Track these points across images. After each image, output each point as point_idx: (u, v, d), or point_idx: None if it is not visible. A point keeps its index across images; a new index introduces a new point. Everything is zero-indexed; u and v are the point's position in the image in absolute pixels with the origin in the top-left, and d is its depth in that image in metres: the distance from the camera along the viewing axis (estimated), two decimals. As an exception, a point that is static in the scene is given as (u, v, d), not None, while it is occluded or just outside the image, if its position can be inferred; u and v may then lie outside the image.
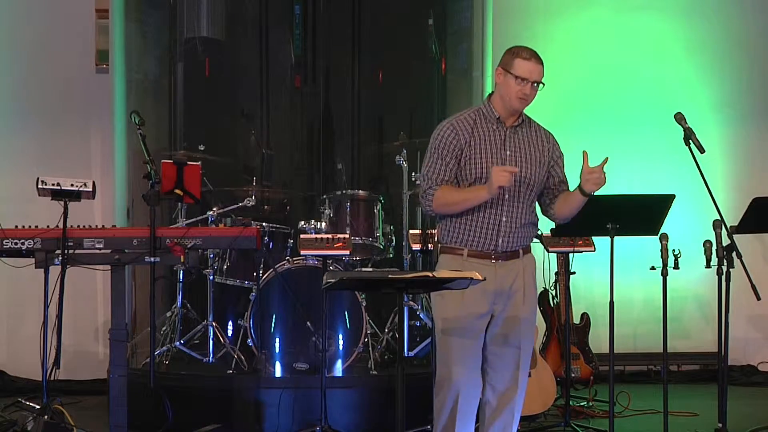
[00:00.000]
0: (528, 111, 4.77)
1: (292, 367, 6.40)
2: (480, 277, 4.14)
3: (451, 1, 7.59)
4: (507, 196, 4.56)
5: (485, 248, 4.59)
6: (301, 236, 6.23)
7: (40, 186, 5.56)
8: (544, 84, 4.64)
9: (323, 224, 6.48)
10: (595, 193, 5.90)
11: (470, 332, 4.59)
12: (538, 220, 4.76)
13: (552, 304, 7.05)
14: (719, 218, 5.56)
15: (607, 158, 4.60)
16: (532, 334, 4.76)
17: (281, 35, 7.23)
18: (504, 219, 4.58)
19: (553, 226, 6.28)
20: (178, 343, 6.71)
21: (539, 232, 6.65)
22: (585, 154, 4.56)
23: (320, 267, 6.26)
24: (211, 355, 6.65)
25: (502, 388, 4.66)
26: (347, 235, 6.25)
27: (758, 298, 5.55)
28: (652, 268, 5.73)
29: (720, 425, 5.72)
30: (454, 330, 4.61)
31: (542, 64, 4.62)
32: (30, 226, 5.59)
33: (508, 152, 4.62)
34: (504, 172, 4.39)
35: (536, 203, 4.74)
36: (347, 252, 6.13)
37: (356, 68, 7.21)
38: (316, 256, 6.23)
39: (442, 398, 4.63)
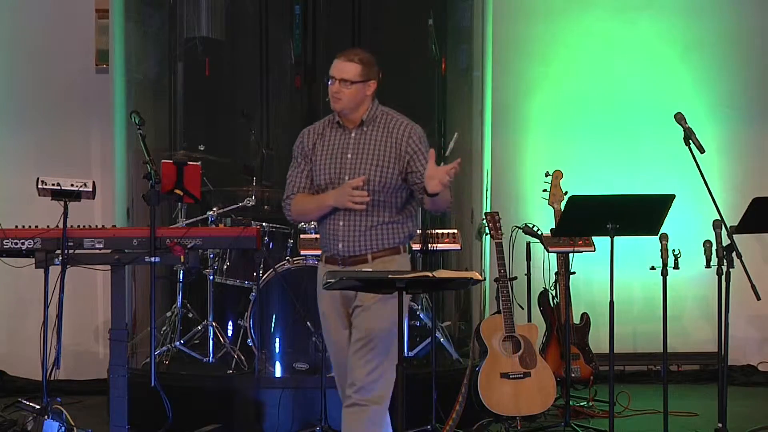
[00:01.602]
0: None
1: (292, 367, 6.40)
2: (479, 277, 4.13)
3: (451, 1, 7.58)
4: (347, 178, 4.51)
5: (332, 253, 4.58)
6: (301, 236, 6.23)
7: (40, 186, 5.55)
8: (356, 82, 4.53)
9: (323, 224, 6.47)
10: (597, 193, 5.92)
11: (332, 337, 4.62)
12: (404, 218, 4.60)
13: (552, 304, 7.05)
14: (719, 218, 5.56)
15: (459, 160, 4.46)
16: (386, 343, 4.51)
17: (281, 35, 7.22)
18: (341, 223, 4.53)
19: (553, 227, 6.30)
20: (178, 343, 6.71)
21: (539, 232, 6.66)
22: (431, 154, 4.43)
23: (320, 267, 6.25)
24: (211, 355, 6.65)
25: (355, 396, 4.53)
26: (347, 235, 6.24)
27: (758, 298, 5.55)
28: (652, 268, 5.73)
29: (720, 425, 5.71)
30: (325, 335, 4.69)
31: (355, 62, 4.54)
32: (30, 226, 5.59)
33: (349, 156, 4.56)
34: (350, 195, 4.42)
35: (397, 202, 4.58)
36: (347, 252, 6.12)
37: (356, 68, 7.20)
38: (316, 256, 6.23)
39: None
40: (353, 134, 4.59)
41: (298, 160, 4.68)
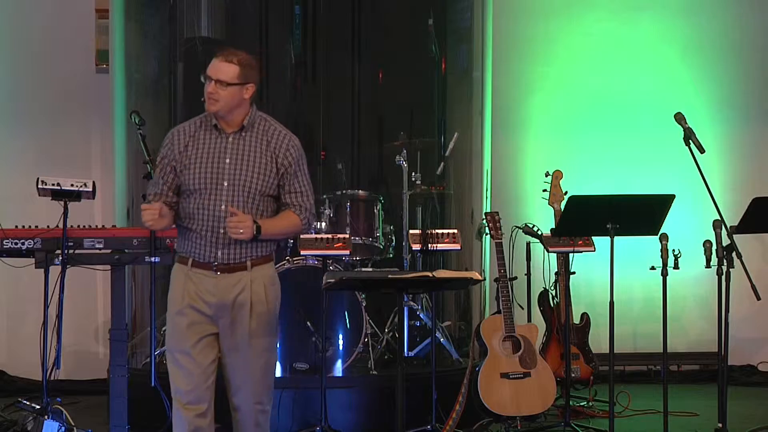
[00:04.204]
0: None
1: (292, 367, 6.41)
2: (479, 277, 4.13)
3: (451, 1, 7.59)
4: (224, 207, 4.38)
5: (207, 259, 4.43)
6: (301, 236, 6.23)
7: (40, 186, 5.56)
8: (232, 84, 4.41)
9: (323, 224, 6.48)
10: (597, 193, 5.93)
11: (187, 344, 4.45)
12: None
13: (552, 304, 7.05)
14: (719, 218, 5.56)
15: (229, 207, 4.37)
16: (265, 352, 4.50)
17: (281, 35, 7.22)
18: (222, 231, 4.39)
19: (553, 227, 6.30)
20: (178, 343, 6.70)
21: (539, 232, 6.65)
22: (230, 209, 4.35)
23: (320, 267, 6.26)
24: (211, 355, 6.64)
25: (236, 403, 4.50)
26: (347, 235, 6.25)
27: (758, 298, 5.55)
28: (652, 268, 5.73)
29: (720, 425, 5.72)
30: (172, 342, 4.50)
31: (234, 64, 4.43)
32: (30, 226, 5.60)
33: (227, 161, 4.42)
34: (146, 212, 4.30)
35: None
36: (347, 252, 6.13)
37: (356, 68, 7.21)
38: (316, 256, 6.23)
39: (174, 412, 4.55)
40: (230, 139, 4.46)
41: (163, 163, 4.50)
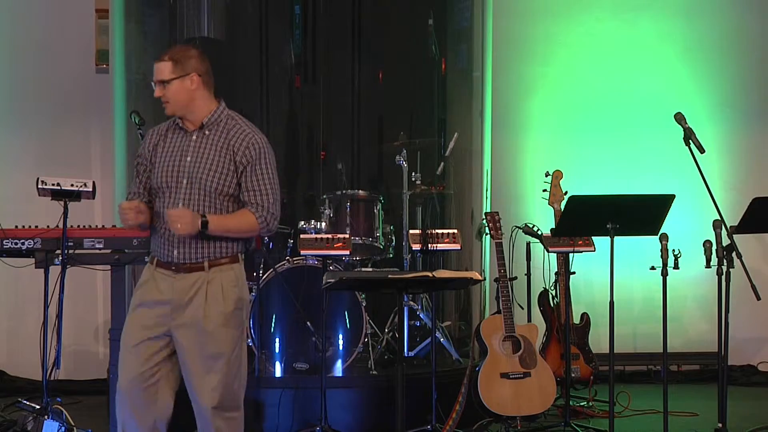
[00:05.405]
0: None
1: (292, 367, 6.41)
2: (479, 277, 4.13)
3: (451, 1, 7.59)
4: (180, 205, 4.37)
5: (166, 259, 4.42)
6: (301, 236, 6.23)
7: (40, 186, 5.56)
8: (172, 80, 4.39)
9: (323, 224, 6.48)
10: (597, 193, 5.93)
11: (136, 343, 4.40)
12: None
13: (552, 304, 7.05)
14: (719, 218, 5.56)
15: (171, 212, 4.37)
16: (222, 356, 4.44)
17: (281, 35, 7.22)
18: None
19: (553, 227, 6.30)
20: (178, 343, 6.70)
21: (539, 232, 6.65)
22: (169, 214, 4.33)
23: (320, 267, 6.26)
24: (211, 355, 6.64)
25: (195, 409, 4.46)
26: (347, 235, 6.25)
27: (758, 298, 5.56)
28: (652, 268, 5.72)
29: (720, 425, 5.72)
30: (124, 338, 4.46)
31: (165, 61, 4.40)
32: (30, 226, 5.60)
33: (188, 158, 4.41)
34: (129, 212, 4.31)
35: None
36: (347, 252, 6.13)
37: (356, 68, 7.21)
38: (316, 256, 6.23)
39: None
40: (194, 137, 4.46)
41: (138, 162, 4.54)
